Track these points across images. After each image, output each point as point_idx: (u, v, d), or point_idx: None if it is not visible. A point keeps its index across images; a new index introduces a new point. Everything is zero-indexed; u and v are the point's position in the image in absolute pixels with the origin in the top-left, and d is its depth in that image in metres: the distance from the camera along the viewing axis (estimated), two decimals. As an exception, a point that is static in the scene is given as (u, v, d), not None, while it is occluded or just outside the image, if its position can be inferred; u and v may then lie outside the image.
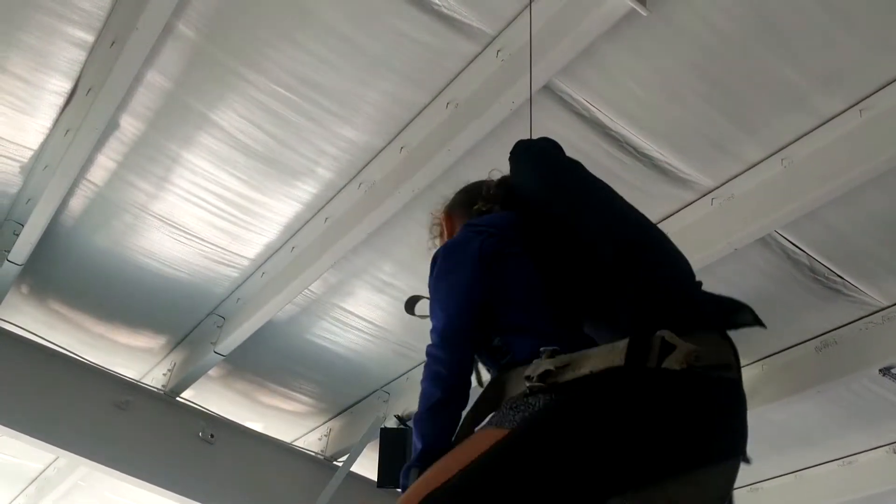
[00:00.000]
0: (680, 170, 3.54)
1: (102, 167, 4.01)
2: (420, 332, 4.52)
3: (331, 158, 3.79)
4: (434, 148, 3.47)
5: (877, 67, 3.04)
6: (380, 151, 3.72)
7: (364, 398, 5.44)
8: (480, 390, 1.82)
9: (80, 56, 3.48)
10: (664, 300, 1.65)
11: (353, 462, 5.33)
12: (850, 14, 2.90)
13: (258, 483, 5.45)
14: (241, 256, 4.46)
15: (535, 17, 2.94)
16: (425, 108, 3.49)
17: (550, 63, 3.05)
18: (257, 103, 3.59)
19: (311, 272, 4.20)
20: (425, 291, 1.99)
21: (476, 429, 1.70)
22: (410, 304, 2.16)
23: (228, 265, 4.53)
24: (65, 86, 3.63)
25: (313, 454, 5.75)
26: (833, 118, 3.19)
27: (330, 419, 5.72)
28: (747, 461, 1.61)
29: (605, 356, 1.57)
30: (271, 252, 4.38)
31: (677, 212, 3.67)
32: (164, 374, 5.32)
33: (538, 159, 2.06)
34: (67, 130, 3.71)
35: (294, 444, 5.85)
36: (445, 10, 3.12)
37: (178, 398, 5.33)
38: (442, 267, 1.90)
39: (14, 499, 6.74)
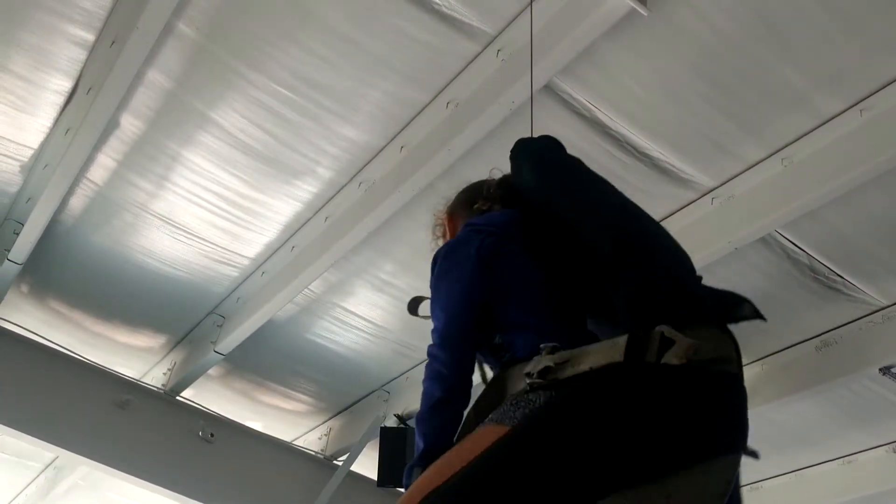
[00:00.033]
0: (680, 169, 3.54)
1: (103, 166, 4.01)
2: (420, 332, 4.52)
3: (331, 158, 3.80)
4: (434, 147, 3.47)
5: (877, 67, 3.04)
6: (380, 151, 3.72)
7: (364, 397, 5.44)
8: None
9: (80, 55, 3.48)
10: (663, 294, 1.65)
11: (353, 461, 5.33)
12: (850, 14, 2.91)
13: (258, 482, 5.45)
14: (242, 256, 4.46)
15: (535, 17, 2.95)
16: (425, 107, 3.49)
17: (551, 62, 3.05)
18: (258, 102, 3.60)
19: (311, 271, 4.20)
20: (426, 291, 1.99)
21: (477, 427, 1.70)
22: (413, 306, 2.16)
23: (228, 264, 4.53)
24: (65, 85, 3.63)
25: (313, 453, 5.75)
26: (833, 118, 3.20)
27: (330, 418, 5.73)
28: (755, 456, 1.61)
29: (605, 352, 1.57)
30: (271, 251, 4.38)
31: (677, 211, 3.68)
32: (164, 374, 5.32)
33: (538, 157, 2.06)
34: (68, 129, 3.71)
35: (294, 443, 5.86)
36: (446, 10, 3.13)
37: (178, 397, 5.34)
38: (442, 267, 1.91)
39: (14, 498, 6.74)
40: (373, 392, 5.35)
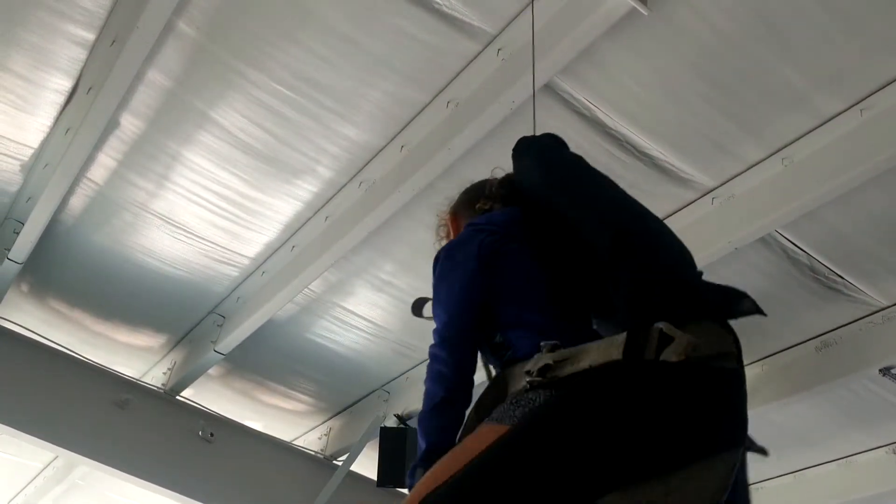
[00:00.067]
0: (680, 169, 3.54)
1: (103, 166, 4.01)
2: (420, 332, 4.52)
3: (331, 157, 3.80)
4: (434, 147, 3.47)
5: (877, 67, 3.04)
6: (380, 150, 3.72)
7: (364, 397, 5.44)
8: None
9: (80, 54, 3.48)
10: (662, 291, 1.65)
11: (352, 461, 5.33)
12: (850, 14, 2.91)
13: (258, 482, 5.45)
14: (242, 255, 4.46)
15: (536, 16, 2.95)
16: (426, 107, 3.49)
17: (551, 62, 3.05)
18: (258, 102, 3.60)
19: (312, 271, 4.20)
20: (426, 291, 1.99)
21: (479, 426, 1.70)
22: (418, 307, 2.16)
23: (228, 264, 4.53)
24: (65, 84, 3.63)
25: (313, 453, 5.75)
26: (833, 118, 3.20)
27: (330, 418, 5.73)
28: (764, 453, 1.60)
29: (605, 350, 1.57)
30: (271, 251, 4.38)
31: (677, 211, 3.68)
32: (164, 373, 5.32)
33: (539, 155, 2.07)
34: (68, 129, 3.71)
35: (294, 443, 5.86)
36: (446, 10, 3.13)
37: (177, 397, 5.33)
38: (442, 267, 1.91)
39: (13, 497, 6.74)
40: (373, 392, 5.35)
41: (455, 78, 3.36)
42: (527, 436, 1.55)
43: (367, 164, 3.79)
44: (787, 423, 4.70)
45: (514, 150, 2.11)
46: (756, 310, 1.65)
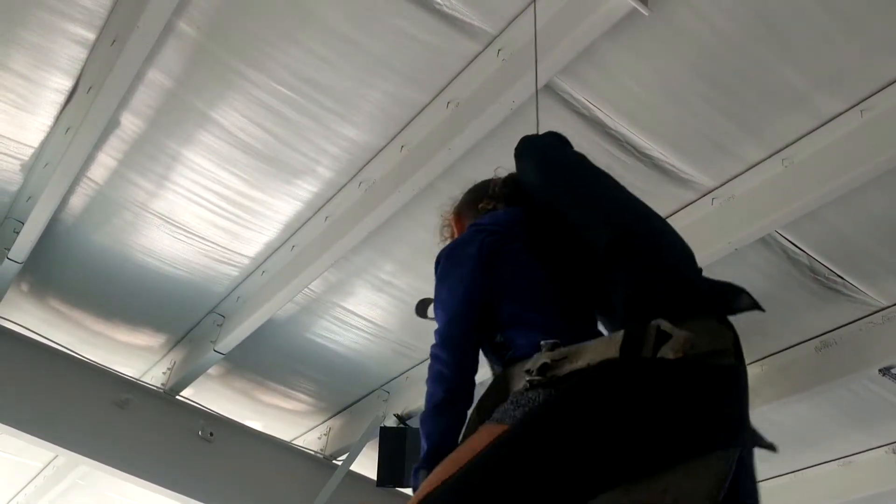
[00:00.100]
0: (680, 169, 3.54)
1: (103, 165, 4.01)
2: (420, 332, 4.53)
3: (331, 157, 3.80)
4: (434, 147, 3.47)
5: (877, 67, 3.04)
6: (380, 150, 3.72)
7: (364, 397, 5.45)
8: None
9: (81, 54, 3.48)
10: (659, 288, 1.65)
11: (352, 461, 5.33)
12: (850, 14, 2.91)
13: (257, 482, 5.45)
14: (242, 255, 4.46)
15: (537, 16, 2.95)
16: (426, 107, 3.49)
17: (552, 62, 3.05)
18: (258, 102, 3.60)
19: (311, 271, 4.20)
20: (426, 291, 1.99)
21: (480, 426, 1.70)
22: (422, 308, 2.16)
23: (228, 264, 4.53)
24: (66, 83, 3.63)
25: (313, 453, 5.75)
26: (833, 118, 3.20)
27: (329, 418, 5.73)
28: (773, 449, 1.60)
29: (602, 348, 1.57)
30: (271, 251, 4.39)
31: (677, 211, 3.68)
32: (164, 373, 5.32)
33: (542, 155, 2.07)
34: (68, 128, 3.71)
35: (293, 442, 5.86)
36: (447, 10, 3.13)
37: (177, 396, 5.33)
38: (444, 268, 1.91)
39: (13, 497, 6.74)
40: (372, 392, 5.35)
41: (455, 78, 3.36)
42: (524, 435, 1.55)
43: (367, 164, 3.79)
44: (786, 423, 4.70)
45: (516, 148, 2.11)
46: (754, 305, 1.64)
